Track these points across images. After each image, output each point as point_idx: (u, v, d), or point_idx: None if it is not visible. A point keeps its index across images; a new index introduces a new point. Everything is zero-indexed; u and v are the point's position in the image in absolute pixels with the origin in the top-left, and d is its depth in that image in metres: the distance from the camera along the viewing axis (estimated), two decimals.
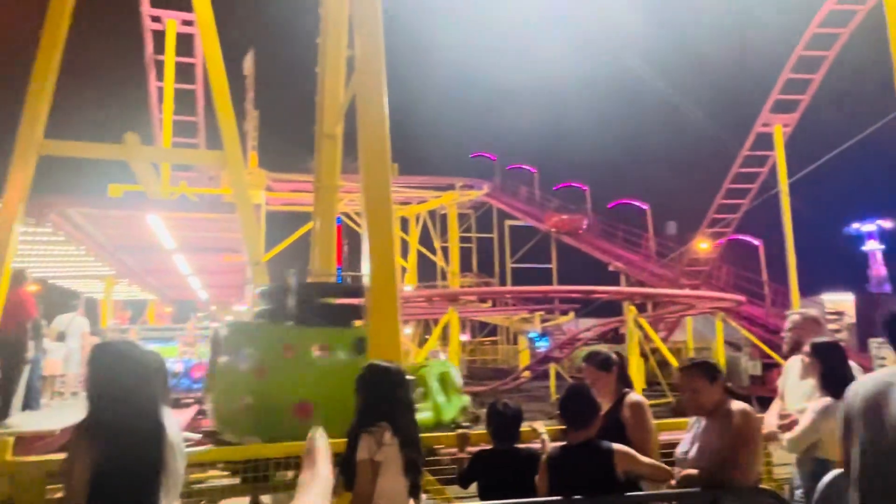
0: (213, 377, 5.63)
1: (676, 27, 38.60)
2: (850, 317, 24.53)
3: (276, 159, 28.05)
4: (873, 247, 31.58)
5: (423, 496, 3.32)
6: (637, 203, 29.12)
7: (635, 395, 3.75)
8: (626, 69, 43.94)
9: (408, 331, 31.71)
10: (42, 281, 14.92)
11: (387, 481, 2.89)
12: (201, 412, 11.04)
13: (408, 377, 3.38)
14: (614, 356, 3.95)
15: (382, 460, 2.91)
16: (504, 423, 3.64)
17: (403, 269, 32.06)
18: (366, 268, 5.35)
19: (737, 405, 3.38)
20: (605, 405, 3.87)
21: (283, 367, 5.29)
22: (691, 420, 3.60)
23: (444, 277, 31.85)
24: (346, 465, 3.00)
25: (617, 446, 3.26)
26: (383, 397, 3.15)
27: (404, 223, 32.45)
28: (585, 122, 43.96)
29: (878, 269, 31.11)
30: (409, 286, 29.08)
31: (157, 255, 11.92)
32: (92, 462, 2.67)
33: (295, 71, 18.94)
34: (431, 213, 32.25)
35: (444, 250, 31.48)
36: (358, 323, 5.71)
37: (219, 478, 6.02)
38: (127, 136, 7.94)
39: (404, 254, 32.05)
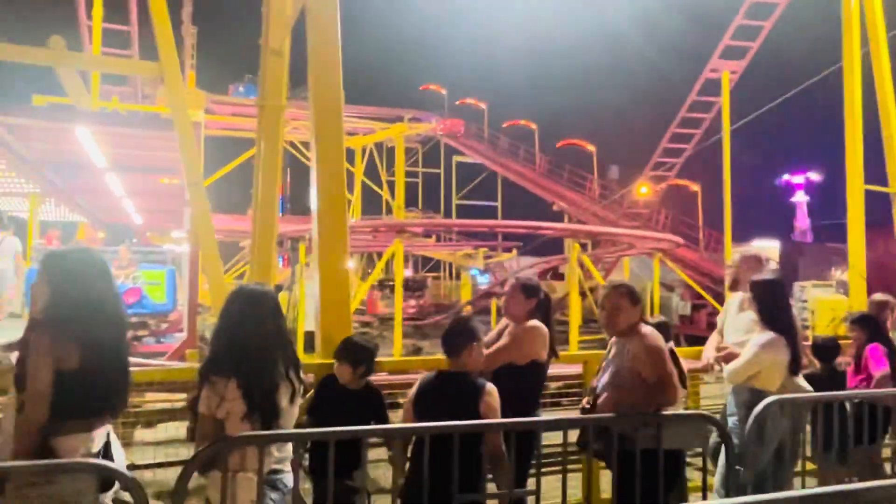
0: None
1: None
2: (776, 262, 25.94)
3: (215, 83, 26.73)
4: (800, 198, 33.29)
5: None
6: (584, 145, 29.27)
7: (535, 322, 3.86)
8: (578, 14, 43.39)
9: (351, 264, 31.54)
10: None
11: (233, 431, 2.70)
12: (136, 338, 10.73)
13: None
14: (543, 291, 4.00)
15: (224, 417, 2.70)
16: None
17: (349, 202, 31.51)
18: (313, 195, 5.03)
19: (646, 328, 3.48)
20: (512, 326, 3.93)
21: None
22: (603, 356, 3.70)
23: (389, 211, 31.53)
24: (192, 408, 2.81)
25: (489, 387, 3.15)
26: (247, 332, 2.79)
27: (350, 155, 31.70)
28: (538, 62, 43.48)
29: (803, 219, 32.90)
30: (353, 219, 28.68)
31: (87, 173, 11.22)
32: (60, 361, 2.49)
33: None
34: (378, 146, 31.56)
35: (390, 184, 31.00)
36: None
37: (155, 401, 5.85)
38: (52, 40, 7.23)
39: (350, 186, 31.47)
